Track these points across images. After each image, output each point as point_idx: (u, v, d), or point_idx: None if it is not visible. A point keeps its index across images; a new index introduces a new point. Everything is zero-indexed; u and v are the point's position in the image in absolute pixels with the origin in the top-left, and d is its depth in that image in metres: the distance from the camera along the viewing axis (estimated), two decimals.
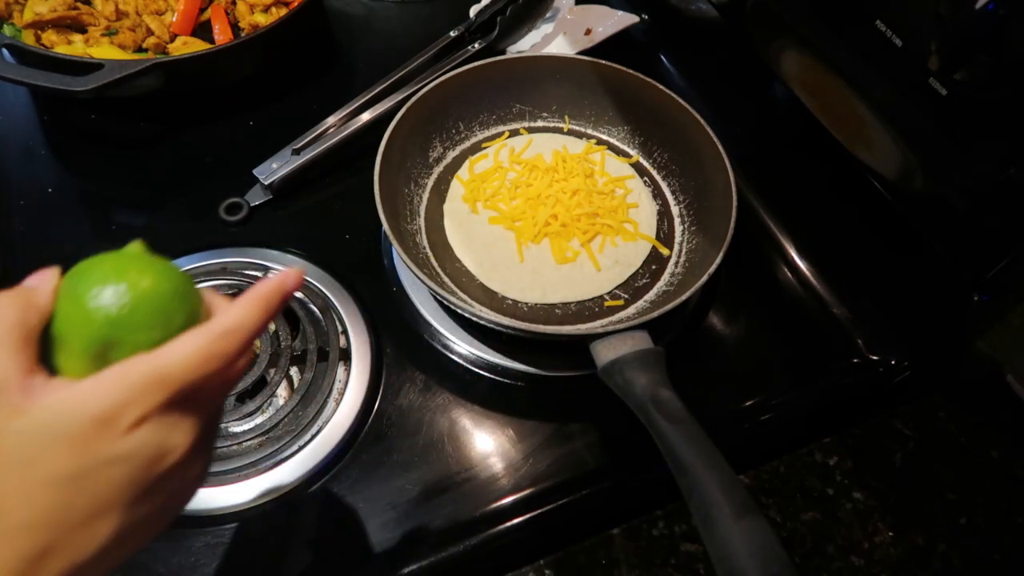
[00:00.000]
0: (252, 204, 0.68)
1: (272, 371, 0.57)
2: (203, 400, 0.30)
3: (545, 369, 0.60)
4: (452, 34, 0.78)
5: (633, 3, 0.87)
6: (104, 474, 0.27)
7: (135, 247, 0.32)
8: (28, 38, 0.72)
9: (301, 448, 0.55)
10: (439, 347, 0.62)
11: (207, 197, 0.69)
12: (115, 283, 0.29)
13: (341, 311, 0.61)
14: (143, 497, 0.29)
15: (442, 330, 0.62)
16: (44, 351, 0.29)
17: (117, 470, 0.28)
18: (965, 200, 0.50)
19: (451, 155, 0.71)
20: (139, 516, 0.29)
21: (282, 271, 0.34)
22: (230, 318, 0.31)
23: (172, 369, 0.29)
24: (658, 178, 0.71)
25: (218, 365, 0.30)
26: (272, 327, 0.59)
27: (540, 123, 0.75)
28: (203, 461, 0.32)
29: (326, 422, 0.56)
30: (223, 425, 0.56)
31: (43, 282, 0.30)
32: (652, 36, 0.86)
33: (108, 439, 0.27)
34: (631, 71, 0.69)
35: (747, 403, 0.61)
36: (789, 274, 0.68)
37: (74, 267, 0.30)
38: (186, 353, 0.29)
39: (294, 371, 0.59)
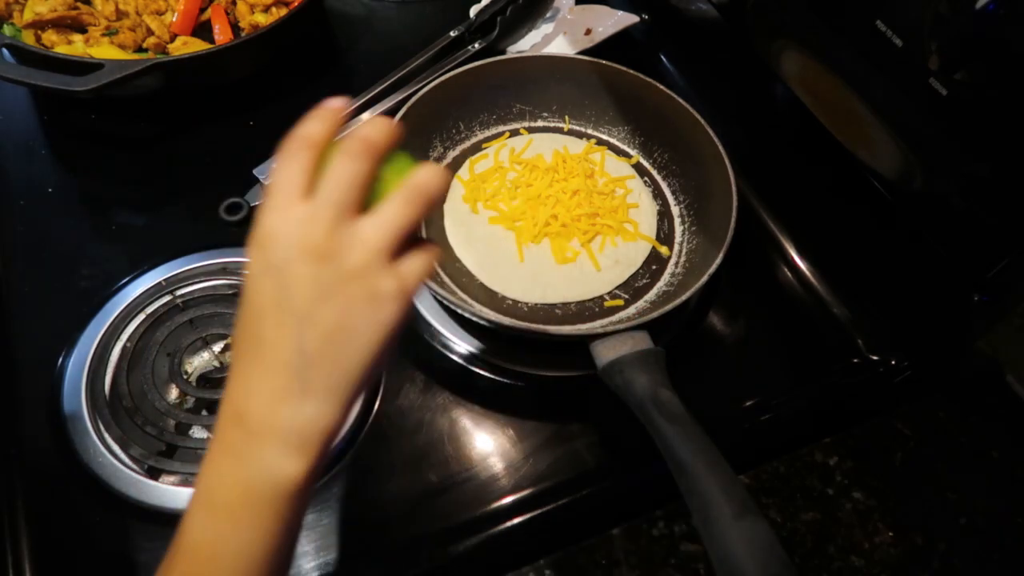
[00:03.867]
0: (252, 204, 0.68)
1: None
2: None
3: (545, 369, 0.60)
4: (452, 34, 0.78)
5: (633, 3, 0.87)
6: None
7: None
8: (28, 38, 0.72)
9: None
10: (439, 347, 0.62)
11: (207, 197, 0.69)
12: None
13: None
14: (328, 298, 0.34)
15: (442, 330, 0.62)
16: None
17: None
18: (965, 200, 0.50)
19: (451, 155, 0.71)
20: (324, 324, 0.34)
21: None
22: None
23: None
24: (658, 178, 0.71)
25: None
26: None
27: (540, 123, 0.75)
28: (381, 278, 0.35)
29: None
30: None
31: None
32: (652, 36, 0.86)
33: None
34: (631, 71, 0.69)
35: (747, 403, 0.61)
36: (789, 274, 0.68)
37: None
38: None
39: None
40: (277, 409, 0.34)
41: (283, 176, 0.37)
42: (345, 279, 0.34)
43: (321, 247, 0.34)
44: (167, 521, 0.52)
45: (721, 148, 0.63)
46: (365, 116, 0.71)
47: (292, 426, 0.34)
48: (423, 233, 0.66)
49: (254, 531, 0.34)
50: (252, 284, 0.35)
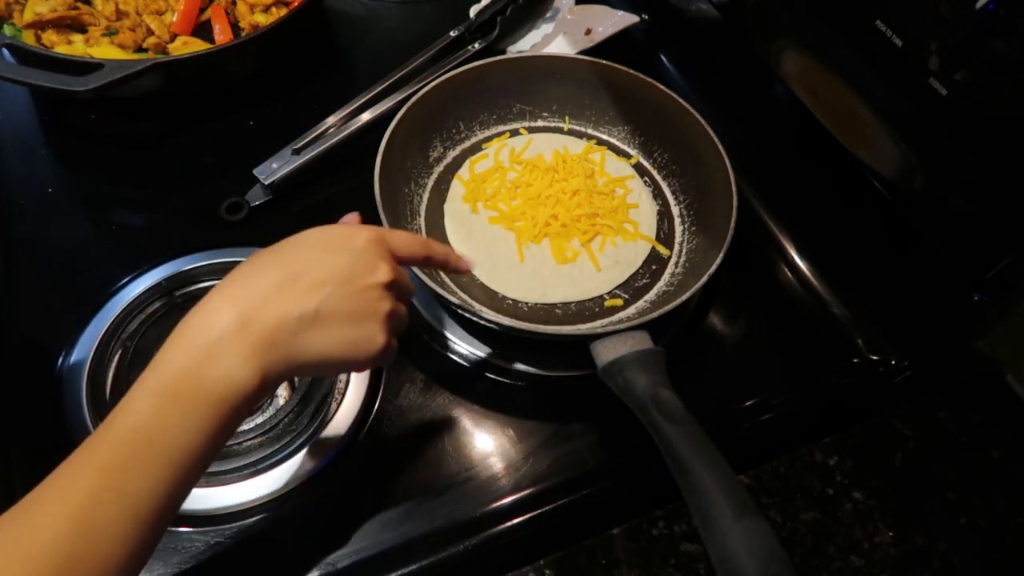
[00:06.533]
0: (252, 204, 0.68)
1: None
2: (399, 275, 0.44)
3: (545, 369, 0.60)
4: (452, 34, 0.78)
5: (633, 3, 0.87)
6: (336, 257, 0.42)
7: None
8: (28, 38, 0.72)
9: (301, 448, 0.55)
10: (439, 347, 0.62)
11: (207, 197, 0.69)
12: None
13: None
14: (348, 288, 0.41)
15: (442, 330, 0.62)
16: None
17: (346, 256, 0.42)
18: (965, 200, 0.50)
19: (451, 155, 0.71)
20: (340, 303, 0.40)
21: (459, 258, 0.51)
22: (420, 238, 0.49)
23: (389, 234, 0.45)
24: (658, 178, 0.71)
25: (411, 251, 0.46)
26: None
27: (540, 123, 0.75)
28: (390, 315, 0.43)
29: (326, 422, 0.56)
30: None
31: None
32: (652, 36, 0.86)
33: (349, 238, 0.43)
34: (631, 71, 0.69)
35: (747, 403, 0.61)
36: (789, 274, 0.68)
37: None
38: (399, 235, 0.46)
39: None
40: (288, 328, 0.39)
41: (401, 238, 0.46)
42: (384, 320, 0.43)
43: (388, 302, 0.43)
44: None
45: (721, 148, 0.63)
46: (365, 116, 0.71)
47: (280, 343, 0.39)
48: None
49: (198, 426, 0.36)
50: (331, 250, 0.42)
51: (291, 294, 0.39)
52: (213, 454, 0.38)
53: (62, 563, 0.32)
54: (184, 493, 0.38)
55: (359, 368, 0.45)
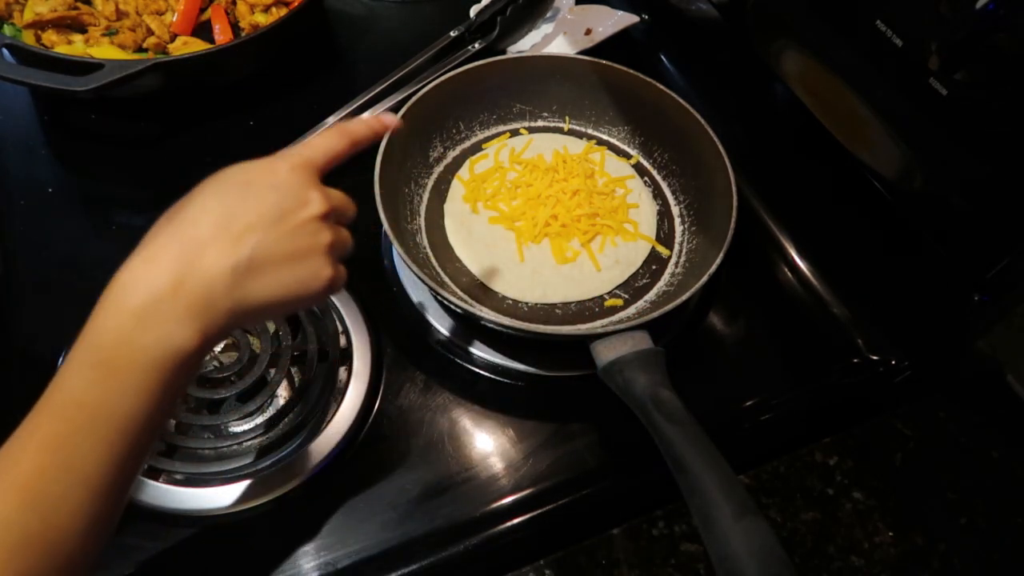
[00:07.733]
0: None
1: (272, 371, 0.57)
2: (334, 201, 0.44)
3: (545, 369, 0.60)
4: (452, 34, 0.78)
5: (633, 3, 0.87)
6: (261, 197, 0.40)
7: None
8: (28, 38, 0.72)
9: (301, 448, 0.55)
10: (439, 347, 0.62)
11: None
12: None
13: (341, 311, 0.61)
14: (281, 228, 0.39)
15: (442, 330, 0.62)
16: None
17: (272, 195, 0.40)
18: (965, 200, 0.50)
19: (451, 155, 0.71)
20: (274, 246, 0.39)
21: (379, 119, 0.48)
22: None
23: (308, 150, 0.44)
24: (658, 178, 0.71)
25: (334, 152, 0.45)
26: (272, 327, 0.59)
27: (540, 123, 0.75)
28: (331, 245, 0.42)
29: (326, 422, 0.56)
30: (223, 424, 0.56)
31: None
32: (652, 36, 0.86)
33: (270, 173, 0.41)
34: (631, 71, 0.69)
35: (747, 403, 0.61)
36: (789, 274, 0.68)
37: None
38: (317, 144, 0.45)
39: (294, 371, 0.59)
40: (223, 281, 0.37)
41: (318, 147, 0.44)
42: (325, 252, 0.41)
43: (328, 233, 0.41)
44: (167, 521, 0.52)
45: (721, 148, 0.63)
46: (365, 116, 0.71)
47: (215, 298, 0.37)
48: (425, 239, 0.66)
49: (139, 394, 0.35)
50: (254, 190, 0.40)
51: (221, 244, 0.38)
52: (163, 417, 0.37)
53: (18, 541, 0.32)
54: (138, 459, 0.37)
55: (310, 304, 0.43)
